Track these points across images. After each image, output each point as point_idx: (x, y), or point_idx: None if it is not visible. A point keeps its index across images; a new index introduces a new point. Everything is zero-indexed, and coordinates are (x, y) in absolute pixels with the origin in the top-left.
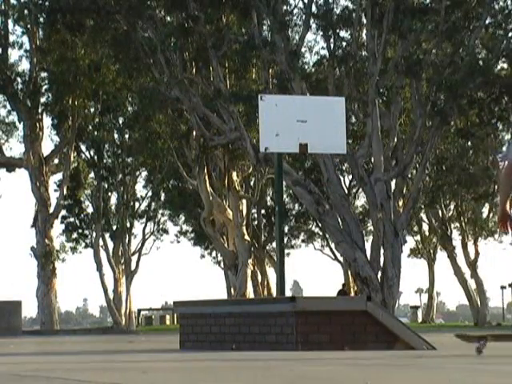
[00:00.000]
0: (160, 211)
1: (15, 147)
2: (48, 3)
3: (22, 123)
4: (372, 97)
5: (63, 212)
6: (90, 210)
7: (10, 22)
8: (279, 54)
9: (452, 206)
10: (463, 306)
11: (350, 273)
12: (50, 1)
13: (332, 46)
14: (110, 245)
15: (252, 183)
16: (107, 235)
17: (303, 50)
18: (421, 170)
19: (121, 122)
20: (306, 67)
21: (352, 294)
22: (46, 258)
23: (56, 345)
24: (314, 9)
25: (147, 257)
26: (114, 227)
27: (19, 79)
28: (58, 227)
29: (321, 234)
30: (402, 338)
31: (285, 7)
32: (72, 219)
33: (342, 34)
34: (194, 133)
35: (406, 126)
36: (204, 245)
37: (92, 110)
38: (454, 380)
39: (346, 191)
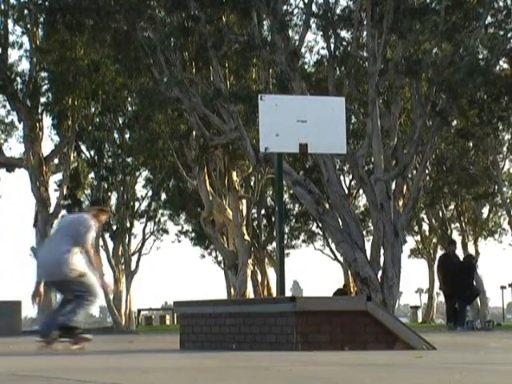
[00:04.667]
0: (160, 211)
1: (15, 147)
2: (48, 3)
3: (21, 123)
4: (372, 97)
5: (63, 212)
6: None
7: (10, 22)
8: (279, 54)
9: (452, 206)
10: None
11: (349, 273)
12: (49, 1)
13: (332, 46)
14: (110, 245)
15: (252, 183)
16: (107, 235)
17: (303, 50)
18: (421, 169)
19: (121, 121)
20: (306, 67)
21: (353, 294)
22: None
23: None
24: (314, 9)
25: (147, 257)
26: (114, 227)
27: (19, 79)
28: None
29: (321, 234)
30: (402, 338)
31: (285, 7)
32: None
33: (342, 34)
34: (194, 133)
35: (406, 126)
36: (204, 245)
37: (92, 109)
38: (454, 380)
39: (347, 191)
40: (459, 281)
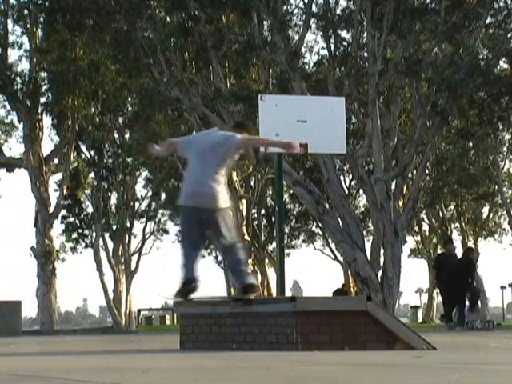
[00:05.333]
0: (160, 211)
1: (15, 147)
2: (48, 3)
3: (21, 123)
4: (372, 97)
5: (63, 212)
6: (90, 210)
7: (10, 22)
8: (279, 54)
9: (452, 206)
10: None
11: (349, 273)
12: (49, 1)
13: (332, 46)
14: (110, 245)
15: (252, 183)
16: (107, 235)
17: (303, 50)
18: (421, 169)
19: (121, 121)
20: (306, 67)
21: (352, 294)
22: (45, 257)
23: (56, 345)
24: (314, 9)
25: (147, 257)
26: (114, 227)
27: (19, 79)
28: (57, 227)
29: (321, 234)
30: (402, 337)
31: (285, 7)
32: (72, 219)
33: (343, 34)
34: (194, 133)
35: (405, 126)
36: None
37: (92, 109)
38: (454, 380)
39: (347, 191)
40: (459, 280)
